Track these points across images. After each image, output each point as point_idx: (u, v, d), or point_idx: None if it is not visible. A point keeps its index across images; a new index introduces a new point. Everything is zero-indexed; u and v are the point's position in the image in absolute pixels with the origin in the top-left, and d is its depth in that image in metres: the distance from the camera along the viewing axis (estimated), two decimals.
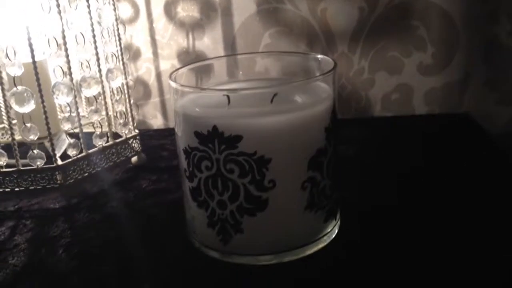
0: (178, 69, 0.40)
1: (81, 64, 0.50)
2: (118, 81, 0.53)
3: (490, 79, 0.65)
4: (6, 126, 0.48)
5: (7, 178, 0.49)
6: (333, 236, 0.39)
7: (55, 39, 0.47)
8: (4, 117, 0.48)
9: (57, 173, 0.48)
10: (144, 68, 0.71)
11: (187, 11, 0.67)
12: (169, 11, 0.67)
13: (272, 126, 0.34)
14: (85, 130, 0.51)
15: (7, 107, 0.47)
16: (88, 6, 0.49)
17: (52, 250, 0.42)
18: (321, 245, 0.38)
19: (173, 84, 0.37)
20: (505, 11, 0.62)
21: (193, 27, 0.68)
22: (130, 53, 0.69)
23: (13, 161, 0.48)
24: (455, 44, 0.64)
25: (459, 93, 0.66)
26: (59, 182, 0.49)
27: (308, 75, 0.42)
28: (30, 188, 0.49)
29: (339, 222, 0.40)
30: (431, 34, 0.64)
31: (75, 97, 0.49)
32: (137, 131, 0.56)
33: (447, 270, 0.35)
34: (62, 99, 0.48)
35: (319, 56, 0.41)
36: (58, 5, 0.46)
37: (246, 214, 0.35)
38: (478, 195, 0.44)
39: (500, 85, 0.65)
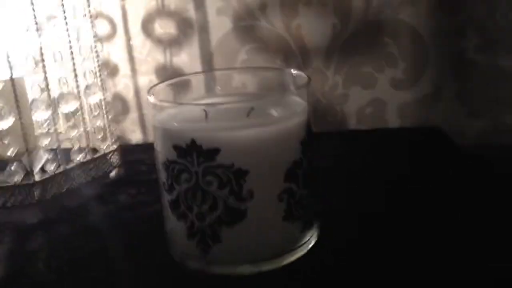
0: (156, 84, 0.41)
1: (59, 80, 0.50)
2: (96, 97, 0.53)
3: (460, 93, 0.67)
4: None
5: None
6: (310, 246, 0.40)
7: (33, 57, 0.47)
8: None
9: (35, 189, 0.48)
10: (122, 83, 0.71)
11: (164, 28, 0.68)
12: (147, 28, 0.68)
13: (248, 139, 0.35)
14: (63, 145, 0.52)
15: None
16: (66, 24, 0.49)
17: (31, 265, 0.41)
18: (299, 254, 0.39)
19: (151, 99, 0.38)
20: (472, 27, 0.64)
21: (171, 44, 0.69)
22: (108, 69, 0.70)
23: None
24: (424, 59, 0.66)
25: (430, 107, 0.68)
26: (37, 198, 0.48)
27: (284, 90, 0.43)
28: (7, 205, 0.49)
29: (316, 232, 0.41)
30: (402, 51, 0.66)
31: (53, 113, 0.49)
32: (115, 146, 0.57)
33: (434, 276, 0.35)
34: (40, 115, 0.49)
35: (294, 71, 0.42)
36: (36, 23, 0.46)
37: (225, 225, 0.36)
38: (452, 208, 0.45)
39: (470, 98, 0.67)
